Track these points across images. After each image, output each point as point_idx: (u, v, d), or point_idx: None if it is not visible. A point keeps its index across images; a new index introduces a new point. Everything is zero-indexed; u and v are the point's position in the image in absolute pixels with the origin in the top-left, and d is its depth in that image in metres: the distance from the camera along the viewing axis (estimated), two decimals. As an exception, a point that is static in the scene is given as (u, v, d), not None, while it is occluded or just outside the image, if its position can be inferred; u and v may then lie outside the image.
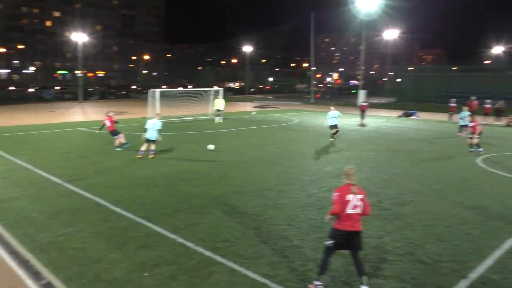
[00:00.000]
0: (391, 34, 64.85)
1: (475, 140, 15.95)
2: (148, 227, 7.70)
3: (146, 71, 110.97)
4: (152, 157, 14.04)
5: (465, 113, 20.71)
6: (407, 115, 33.53)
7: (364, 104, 27.86)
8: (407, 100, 53.37)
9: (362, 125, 25.87)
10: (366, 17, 48.59)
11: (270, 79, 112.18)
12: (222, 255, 6.48)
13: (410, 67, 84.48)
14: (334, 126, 18.17)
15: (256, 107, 43.41)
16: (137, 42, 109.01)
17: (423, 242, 7.13)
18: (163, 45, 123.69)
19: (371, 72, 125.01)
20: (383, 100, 56.07)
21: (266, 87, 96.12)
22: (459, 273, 6.01)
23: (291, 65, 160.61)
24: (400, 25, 68.12)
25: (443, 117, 31.14)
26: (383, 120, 30.16)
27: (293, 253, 6.58)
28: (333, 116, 18.16)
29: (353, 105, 47.67)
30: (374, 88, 70.40)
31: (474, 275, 5.96)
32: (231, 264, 6.20)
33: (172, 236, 7.24)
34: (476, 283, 5.75)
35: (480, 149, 15.89)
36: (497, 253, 6.71)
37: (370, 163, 14.04)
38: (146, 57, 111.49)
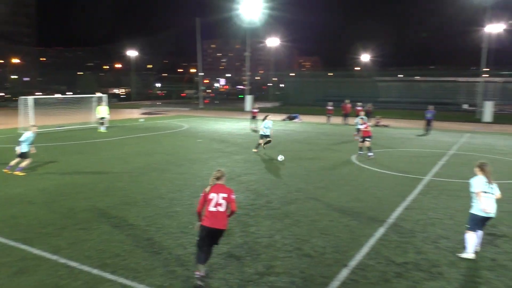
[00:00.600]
0: (273, 42, 68.17)
1: (367, 144, 16.18)
2: (23, 250, 6.92)
3: (15, 76, 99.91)
4: (22, 174, 12.49)
5: (361, 116, 22.28)
6: (291, 118, 35.60)
7: (255, 110, 28.61)
8: (290, 104, 56.68)
9: (254, 130, 26.52)
10: (249, 25, 50.39)
11: (158, 84, 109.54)
12: (112, 272, 6.12)
13: (291, 73, 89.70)
14: (267, 136, 17.22)
15: (143, 113, 41.99)
16: (2, 44, 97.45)
17: (309, 237, 7.61)
18: (35, 47, 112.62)
19: (256, 78, 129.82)
20: (268, 105, 58.56)
21: (159, 93, 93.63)
22: (341, 263, 6.55)
23: (179, 70, 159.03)
24: (281, 33, 71.93)
25: (323, 119, 33.70)
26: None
27: (189, 261, 6.50)
28: (268, 126, 17.19)
29: (241, 109, 49.02)
30: (260, 93, 73.21)
31: (353, 263, 6.55)
32: (122, 280, 5.89)
33: (54, 257, 6.62)
34: (355, 270, 6.32)
35: (370, 154, 16.06)
36: (372, 241, 7.47)
37: (259, 165, 14.56)
38: (15, 60, 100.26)
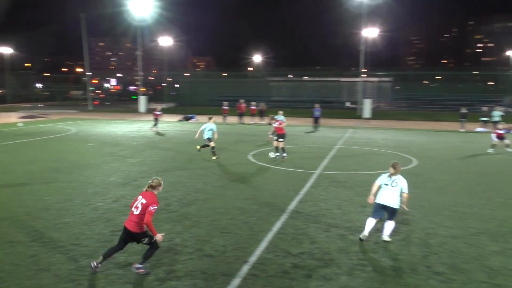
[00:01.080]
0: (166, 41, 66.77)
1: (280, 144, 15.88)
2: None
3: None
4: None
5: (280, 117, 22.65)
6: (187, 119, 35.26)
7: (158, 112, 27.15)
8: (186, 105, 56.08)
9: (159, 133, 25.26)
10: (140, 22, 48.58)
11: (39, 85, 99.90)
12: (-11, 296, 5.43)
13: (186, 73, 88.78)
14: (209, 139, 16.11)
15: (22, 117, 37.96)
16: None
17: (209, 237, 7.63)
18: None
19: (150, 78, 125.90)
20: (164, 105, 57.17)
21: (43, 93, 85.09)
22: (241, 259, 6.67)
23: (63, 70, 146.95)
24: (174, 32, 70.75)
25: (219, 119, 33.96)
26: (165, 125, 30.81)
27: (80, 275, 6.05)
28: (211, 128, 16.17)
29: (135, 111, 47.12)
30: (154, 93, 71.18)
31: (253, 258, 6.73)
32: (3, 304, 5.26)
33: None
34: (255, 264, 6.50)
35: (284, 154, 15.81)
36: (269, 235, 7.75)
37: (156, 167, 14.16)
38: None
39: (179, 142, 21.10)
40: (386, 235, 7.52)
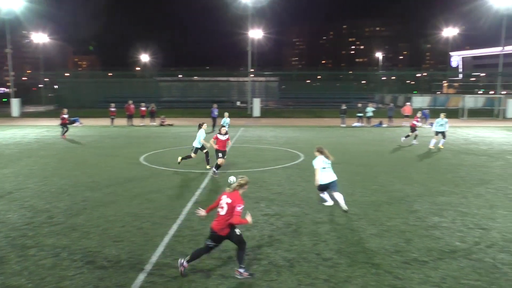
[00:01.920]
0: (41, 38, 60.93)
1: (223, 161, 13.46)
2: None
3: None
4: None
5: (226, 120, 21.92)
6: (70, 122, 32.61)
7: (65, 116, 23.81)
8: (67, 107, 51.83)
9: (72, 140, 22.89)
10: (8, 16, 43.53)
11: None
12: None
13: (66, 73, 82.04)
14: (202, 148, 14.14)
15: None
16: None
17: (101, 248, 7.18)
18: None
19: (23, 79, 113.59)
20: (41, 108, 52.21)
21: None
22: (137, 267, 6.41)
23: None
24: (51, 29, 64.90)
25: (106, 121, 32.13)
26: (44, 129, 28.15)
27: None
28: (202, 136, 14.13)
29: (7, 115, 42.17)
30: (29, 95, 64.45)
31: (149, 266, 6.51)
32: None
33: None
34: (152, 271, 6.30)
35: (215, 170, 13.24)
36: (166, 239, 7.57)
37: (35, 177, 12.84)
38: None
39: (61, 148, 19.45)
40: (343, 204, 9.26)
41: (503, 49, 45.42)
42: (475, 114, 40.61)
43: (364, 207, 9.72)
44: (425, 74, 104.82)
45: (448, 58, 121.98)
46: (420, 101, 51.55)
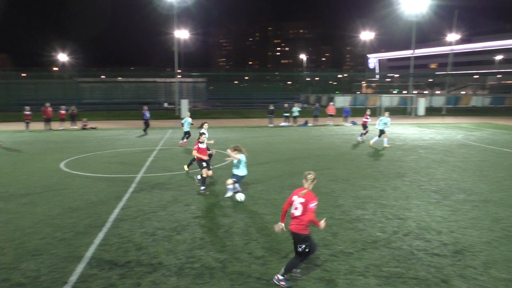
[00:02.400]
0: None
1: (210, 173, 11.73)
2: None
3: None
4: None
5: (187, 119, 20.72)
6: (-22, 127, 29.67)
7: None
8: (-26, 111, 47.16)
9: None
10: None
11: None
12: None
13: (-29, 73, 74.69)
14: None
15: None
16: None
17: (18, 263, 6.63)
18: None
19: None
20: None
21: None
22: (60, 281, 6.02)
23: None
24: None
25: (20, 126, 29.74)
26: None
27: None
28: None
29: None
30: None
31: (74, 277, 6.14)
32: None
33: None
34: (77, 284, 5.95)
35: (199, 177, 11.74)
36: (92, 249, 7.19)
37: None
38: None
39: (-32, 156, 17.64)
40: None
41: (414, 52, 49.28)
42: (391, 112, 43.65)
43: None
44: (346, 75, 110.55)
45: (366, 60, 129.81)
46: (342, 100, 54.22)
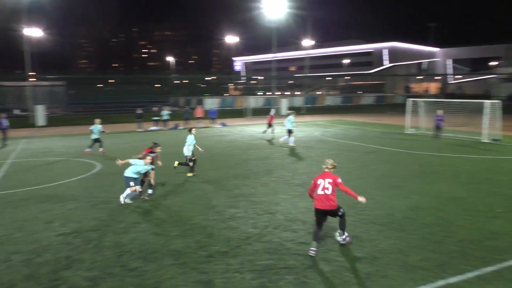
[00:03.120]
0: None
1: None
2: None
3: None
4: None
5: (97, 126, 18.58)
6: None
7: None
8: None
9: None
10: None
11: None
12: None
13: None
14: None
15: None
16: None
17: None
18: None
19: None
20: None
21: None
22: None
23: None
24: None
25: None
26: None
27: None
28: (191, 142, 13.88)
29: None
30: None
31: None
32: None
33: None
34: None
35: (150, 191, 10.95)
36: None
37: None
38: None
39: None
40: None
41: (275, 56, 52.60)
42: (258, 112, 45.78)
43: (166, 209, 9.82)
44: (214, 77, 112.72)
45: (232, 63, 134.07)
46: (211, 102, 55.04)
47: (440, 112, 21.67)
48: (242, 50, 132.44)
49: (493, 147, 19.64)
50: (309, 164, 15.46)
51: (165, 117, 31.31)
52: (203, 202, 10.39)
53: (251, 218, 9.12)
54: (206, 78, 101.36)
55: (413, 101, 27.78)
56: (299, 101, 61.66)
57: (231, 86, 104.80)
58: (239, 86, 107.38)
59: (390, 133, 26.19)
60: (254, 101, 52.63)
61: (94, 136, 19.21)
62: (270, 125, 25.33)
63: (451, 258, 6.91)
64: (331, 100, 69.21)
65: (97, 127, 19.44)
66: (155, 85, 79.23)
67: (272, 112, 26.40)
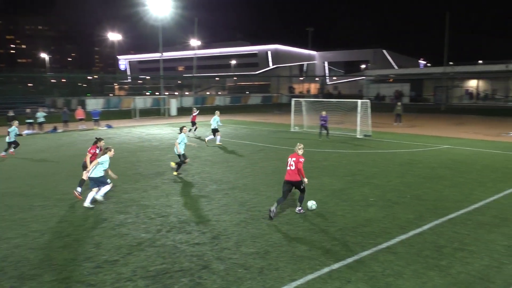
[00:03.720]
0: None
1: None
2: None
3: None
4: None
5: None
6: None
7: None
8: None
9: None
10: None
11: None
12: None
13: None
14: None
15: None
16: None
17: None
18: None
19: None
20: None
21: None
22: None
23: None
24: None
25: None
26: None
27: None
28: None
29: None
30: None
31: None
32: None
33: None
34: None
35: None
36: None
37: None
38: None
39: None
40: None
41: (162, 55, 51.41)
42: (146, 113, 44.28)
43: (47, 221, 8.95)
44: (97, 76, 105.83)
45: (116, 61, 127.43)
46: (94, 103, 51.60)
47: (324, 113, 23.40)
48: (127, 48, 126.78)
49: (365, 142, 21.89)
50: (201, 164, 15.45)
51: (41, 120, 28.45)
52: (88, 210, 9.70)
53: (143, 222, 8.80)
54: (88, 77, 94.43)
55: (296, 101, 29.54)
56: (188, 102, 61.26)
57: (116, 86, 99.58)
58: (125, 86, 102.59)
59: (277, 131, 27.49)
60: (141, 102, 50.78)
61: (11, 139, 17.93)
62: (194, 123, 25.42)
63: (334, 246, 7.52)
64: (221, 100, 70.10)
65: (14, 130, 18.04)
66: (28, 84, 71.51)
67: (195, 111, 26.19)
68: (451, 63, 63.79)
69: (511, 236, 8.03)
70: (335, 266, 6.68)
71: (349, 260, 6.90)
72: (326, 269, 6.55)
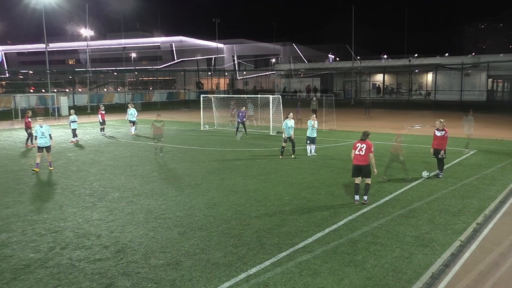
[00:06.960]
0: None
1: None
2: None
3: None
4: None
5: None
6: None
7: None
8: None
9: None
10: None
11: None
12: None
13: None
14: None
15: None
16: None
17: None
18: None
19: None
20: None
21: None
22: None
23: None
24: None
25: None
26: None
27: None
28: None
29: None
30: None
31: None
32: None
33: None
34: None
35: None
36: None
37: None
38: None
39: None
40: None
41: (48, 46, 47.79)
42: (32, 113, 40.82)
43: None
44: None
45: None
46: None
47: (243, 109, 23.72)
48: (1, 37, 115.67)
49: (278, 138, 22.62)
50: (100, 170, 14.69)
51: None
52: (-39, 231, 8.71)
53: (31, 241, 8.12)
54: None
55: (205, 97, 29.47)
56: (83, 99, 57.83)
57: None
58: (2, 82, 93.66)
59: (186, 130, 27.18)
60: (24, 100, 46.76)
61: None
62: (103, 122, 25.62)
63: (250, 249, 7.66)
64: (121, 97, 67.30)
65: None
66: None
67: (102, 108, 26.35)
68: (358, 57, 68.55)
69: (418, 227, 8.88)
70: (252, 270, 6.81)
71: (267, 263, 7.08)
72: (243, 275, 6.65)
